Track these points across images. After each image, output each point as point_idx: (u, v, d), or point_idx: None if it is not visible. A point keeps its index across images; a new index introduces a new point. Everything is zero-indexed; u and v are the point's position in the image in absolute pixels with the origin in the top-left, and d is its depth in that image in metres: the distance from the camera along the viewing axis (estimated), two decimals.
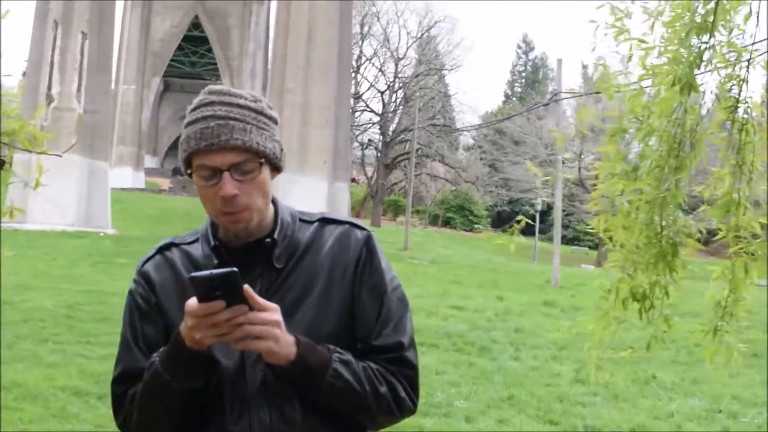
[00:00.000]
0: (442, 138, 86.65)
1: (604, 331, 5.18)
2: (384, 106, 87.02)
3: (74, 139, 37.07)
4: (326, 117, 42.50)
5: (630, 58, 4.93)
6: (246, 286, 2.40)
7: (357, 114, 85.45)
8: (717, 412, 12.24)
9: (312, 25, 43.31)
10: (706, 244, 5.60)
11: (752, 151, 4.77)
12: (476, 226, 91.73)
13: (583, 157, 74.64)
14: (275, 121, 2.74)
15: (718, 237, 5.01)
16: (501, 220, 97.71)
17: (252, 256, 2.73)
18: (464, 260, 44.86)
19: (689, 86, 4.55)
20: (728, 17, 4.68)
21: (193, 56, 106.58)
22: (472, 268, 37.25)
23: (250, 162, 2.62)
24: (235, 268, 2.38)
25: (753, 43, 4.74)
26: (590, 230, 5.22)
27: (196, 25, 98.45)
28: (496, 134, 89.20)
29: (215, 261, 2.73)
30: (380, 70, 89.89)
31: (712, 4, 4.59)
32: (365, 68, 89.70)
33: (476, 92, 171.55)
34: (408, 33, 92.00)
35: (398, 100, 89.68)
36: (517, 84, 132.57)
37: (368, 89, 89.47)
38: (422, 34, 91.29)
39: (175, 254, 2.87)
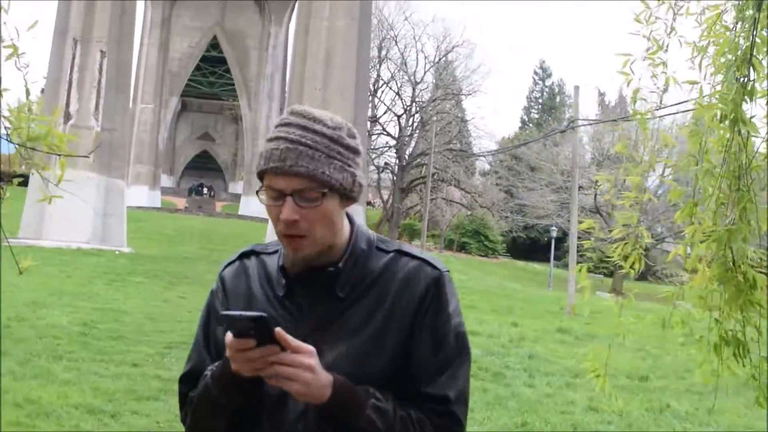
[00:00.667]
0: (459, 163, 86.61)
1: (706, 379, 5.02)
2: (401, 129, 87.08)
3: (92, 157, 37.22)
4: None
5: (665, 90, 4.88)
6: (278, 329, 2.40)
7: (374, 137, 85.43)
8: None
9: (330, 48, 43.44)
10: None
11: None
12: (493, 252, 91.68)
13: (599, 184, 74.50)
14: (353, 151, 2.71)
15: None
16: (516, 246, 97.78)
17: (317, 281, 2.71)
18: (479, 285, 44.78)
19: (738, 120, 4.52)
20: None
21: (211, 77, 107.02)
22: (486, 294, 37.23)
23: (313, 191, 2.60)
24: (264, 314, 2.38)
25: None
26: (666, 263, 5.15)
27: (214, 45, 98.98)
28: (512, 160, 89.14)
29: (283, 280, 2.74)
30: (397, 93, 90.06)
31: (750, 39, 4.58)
32: (382, 92, 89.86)
33: (493, 118, 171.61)
34: (426, 57, 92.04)
35: (415, 124, 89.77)
36: (533, 110, 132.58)
37: (385, 113, 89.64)
38: (440, 59, 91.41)
39: (252, 262, 2.89)
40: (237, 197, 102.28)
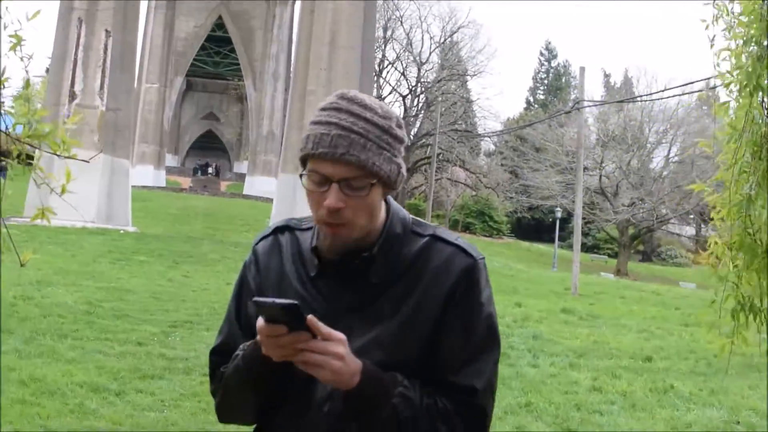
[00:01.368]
0: (464, 143, 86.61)
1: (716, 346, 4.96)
2: (406, 110, 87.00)
3: (97, 137, 37.19)
4: None
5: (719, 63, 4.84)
6: (310, 317, 2.38)
7: None
8: (735, 423, 12.18)
9: (335, 28, 43.34)
10: None
11: None
12: (497, 232, 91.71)
13: (604, 165, 74.52)
14: (400, 141, 2.68)
15: None
16: (521, 227, 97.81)
17: (351, 263, 2.68)
18: None
19: (758, 89, 4.50)
20: None
21: (216, 56, 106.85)
22: (491, 274, 36.76)
23: (362, 180, 2.56)
24: (296, 302, 2.36)
25: None
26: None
27: (219, 25, 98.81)
28: (517, 141, 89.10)
29: (316, 260, 2.71)
30: (402, 74, 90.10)
31: None
32: (388, 72, 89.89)
33: (498, 98, 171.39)
34: (431, 38, 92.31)
35: (420, 105, 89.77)
36: (539, 91, 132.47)
37: (390, 93, 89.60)
38: (445, 39, 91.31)
39: (286, 238, 2.86)
40: (241, 177, 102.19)
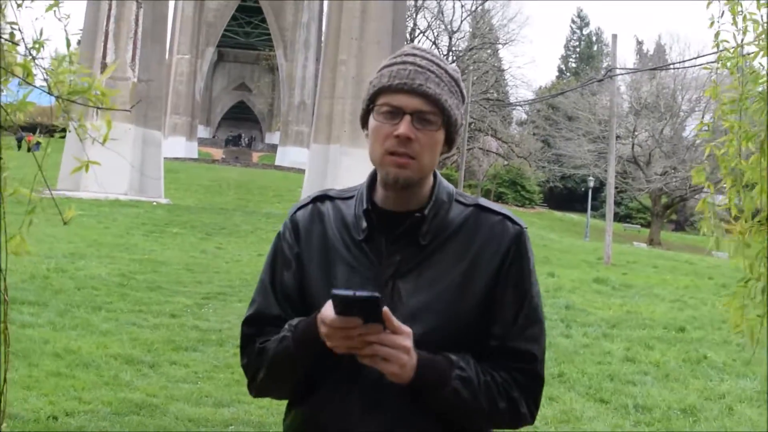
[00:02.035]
0: (495, 112, 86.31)
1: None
2: None
3: (129, 106, 37.29)
4: None
5: (745, 30, 4.75)
6: (385, 309, 2.38)
7: None
8: None
9: None
10: None
11: None
12: (530, 202, 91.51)
13: (636, 133, 74.09)
14: (463, 98, 2.75)
15: None
16: (553, 196, 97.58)
17: (400, 226, 2.69)
18: None
19: None
20: None
21: (247, 27, 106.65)
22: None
23: (434, 115, 2.61)
24: (377, 294, 2.36)
25: None
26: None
27: None
28: (549, 109, 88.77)
29: (364, 224, 2.71)
30: (434, 43, 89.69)
31: None
32: (419, 41, 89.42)
33: (530, 67, 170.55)
34: (462, 6, 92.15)
35: None
36: (571, 59, 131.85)
37: None
38: (476, 8, 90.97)
39: (327, 207, 2.86)
40: (273, 147, 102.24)
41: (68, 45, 4.32)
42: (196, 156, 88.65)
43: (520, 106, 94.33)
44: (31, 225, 4.19)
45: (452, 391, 2.54)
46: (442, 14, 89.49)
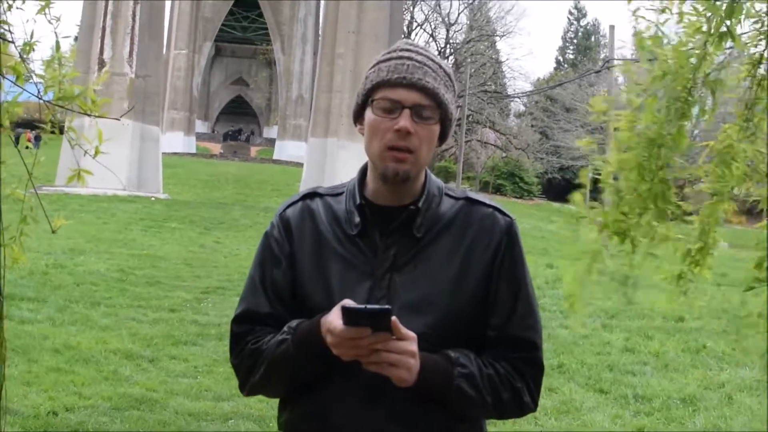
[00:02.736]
0: (493, 104, 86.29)
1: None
2: None
3: (127, 103, 37.24)
4: None
5: (664, 9, 4.71)
6: (394, 318, 2.40)
7: None
8: None
9: None
10: (749, 212, 5.45)
11: (763, 109, 4.62)
12: (528, 193, 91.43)
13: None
14: (456, 94, 2.78)
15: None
16: (552, 188, 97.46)
17: (394, 220, 2.72)
18: None
19: (726, 35, 4.39)
20: None
21: (244, 21, 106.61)
22: (522, 236, 37.07)
23: (432, 109, 2.65)
24: (388, 307, 2.40)
25: None
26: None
27: None
28: (547, 101, 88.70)
29: (357, 219, 2.74)
30: (431, 35, 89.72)
31: None
32: (416, 34, 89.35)
33: (528, 59, 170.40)
34: None
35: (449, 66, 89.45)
36: (568, 50, 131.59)
37: None
38: (474, 0, 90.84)
39: (318, 204, 2.87)
40: (271, 142, 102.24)
41: (58, 47, 4.32)
42: (194, 151, 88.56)
43: (518, 98, 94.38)
44: (29, 224, 4.20)
45: (456, 389, 2.58)
46: (440, 7, 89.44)
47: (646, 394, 11.09)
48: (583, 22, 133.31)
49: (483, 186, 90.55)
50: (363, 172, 2.82)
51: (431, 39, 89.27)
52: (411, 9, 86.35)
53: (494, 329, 2.71)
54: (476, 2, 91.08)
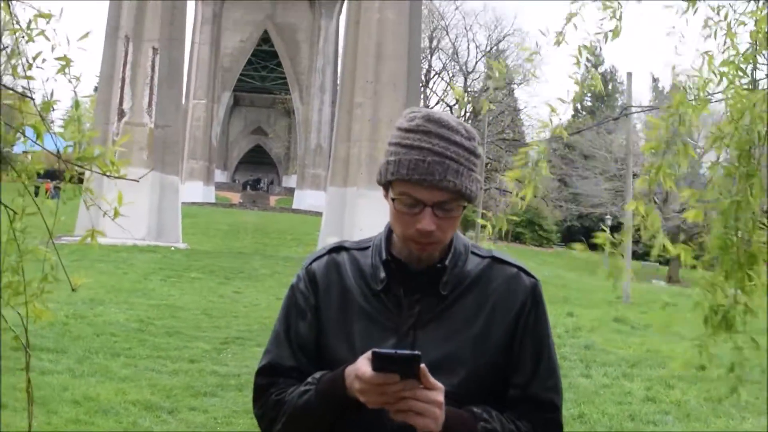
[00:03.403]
0: (512, 152, 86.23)
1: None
2: None
3: (146, 154, 37.39)
4: None
5: (709, 61, 4.72)
6: (422, 366, 2.41)
7: None
8: None
9: (380, 40, 43.22)
10: None
11: None
12: (547, 241, 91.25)
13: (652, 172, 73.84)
14: (481, 159, 2.74)
15: None
16: (571, 235, 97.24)
17: (419, 276, 2.72)
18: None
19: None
20: None
21: (262, 71, 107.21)
22: (542, 284, 37.01)
23: (455, 202, 2.64)
24: (418, 353, 2.40)
25: None
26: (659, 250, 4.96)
27: (265, 39, 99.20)
28: (565, 148, 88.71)
29: (382, 274, 2.74)
30: (449, 84, 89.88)
31: None
32: (434, 82, 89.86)
33: (545, 107, 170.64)
34: (477, 47, 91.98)
35: (467, 114, 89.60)
36: (586, 97, 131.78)
37: (437, 103, 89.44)
38: (491, 48, 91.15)
39: (343, 257, 2.88)
40: (290, 191, 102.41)
41: (77, 106, 4.34)
42: (213, 200, 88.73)
43: (537, 145, 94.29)
44: (51, 282, 4.24)
45: None
46: (457, 55, 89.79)
47: None
48: (600, 69, 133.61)
49: (503, 234, 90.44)
50: (389, 227, 2.81)
51: (449, 87, 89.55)
52: (429, 57, 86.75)
53: (516, 388, 2.72)
54: (494, 50, 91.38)
